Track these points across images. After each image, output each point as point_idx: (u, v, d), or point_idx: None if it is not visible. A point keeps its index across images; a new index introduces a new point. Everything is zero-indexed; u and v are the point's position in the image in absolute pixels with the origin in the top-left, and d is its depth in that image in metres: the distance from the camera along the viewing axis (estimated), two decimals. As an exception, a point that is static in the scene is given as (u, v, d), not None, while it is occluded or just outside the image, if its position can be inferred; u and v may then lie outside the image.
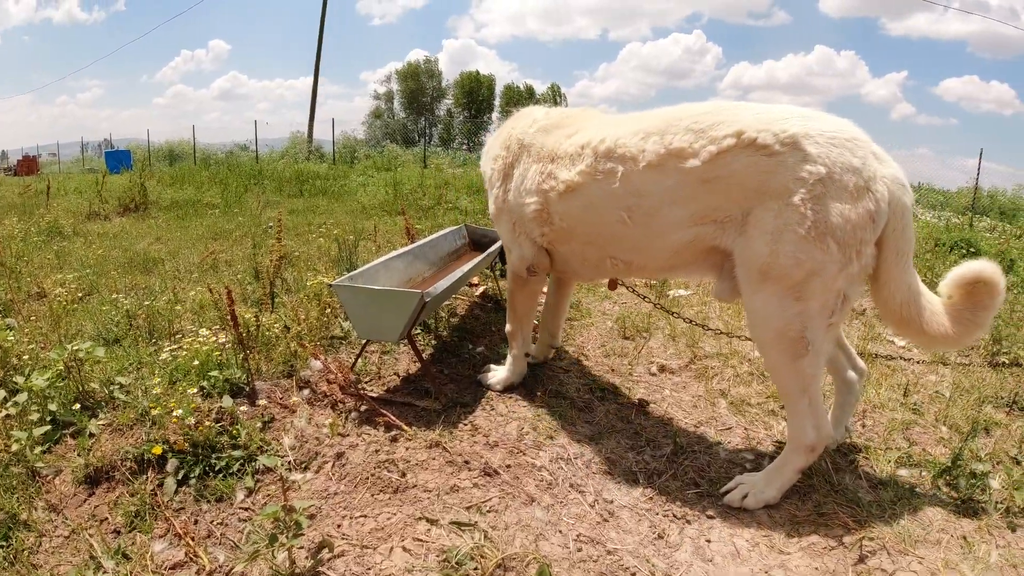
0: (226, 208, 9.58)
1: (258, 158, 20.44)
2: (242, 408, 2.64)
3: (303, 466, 2.47)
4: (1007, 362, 3.86)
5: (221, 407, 2.58)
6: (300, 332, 3.44)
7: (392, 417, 2.71)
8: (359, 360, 3.19)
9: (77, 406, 2.56)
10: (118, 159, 19.74)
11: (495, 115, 40.30)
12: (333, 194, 11.21)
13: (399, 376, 3.20)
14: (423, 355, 3.46)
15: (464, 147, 32.69)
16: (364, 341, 3.13)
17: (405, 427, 2.65)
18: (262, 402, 2.81)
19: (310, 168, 15.08)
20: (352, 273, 3.08)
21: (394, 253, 3.47)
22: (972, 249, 7.67)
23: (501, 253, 3.96)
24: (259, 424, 2.62)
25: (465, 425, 2.71)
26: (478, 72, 40.76)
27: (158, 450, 2.29)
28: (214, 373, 2.81)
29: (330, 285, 2.99)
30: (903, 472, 2.47)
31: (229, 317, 2.96)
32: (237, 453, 2.39)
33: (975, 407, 3.07)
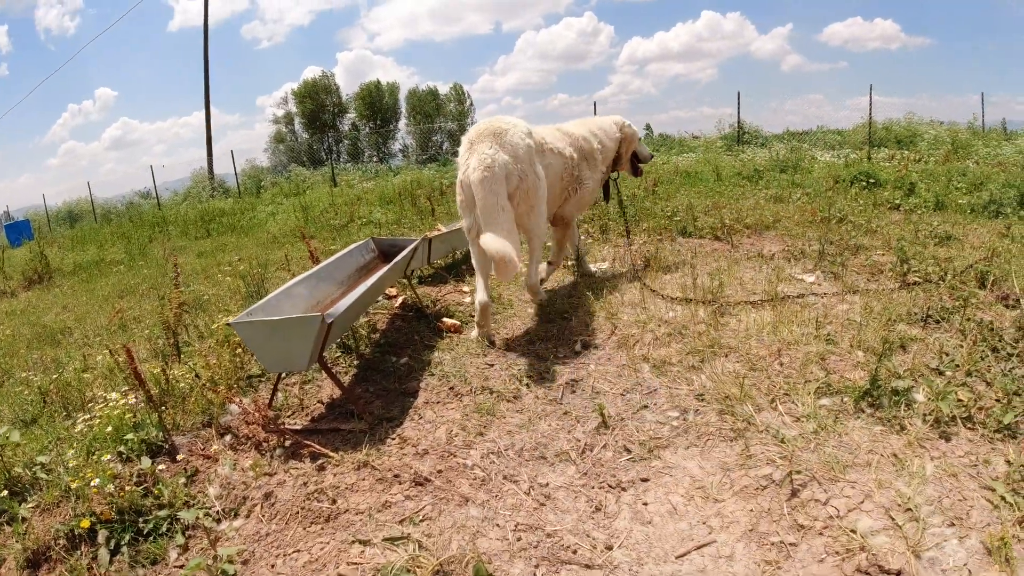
0: (131, 263, 9.21)
1: (160, 204, 19.55)
2: (161, 467, 2.58)
3: (232, 513, 2.41)
4: (918, 280, 4.10)
5: (141, 469, 2.52)
6: (213, 378, 3.35)
7: (317, 446, 2.66)
8: (277, 395, 3.11)
9: (5, 492, 2.49)
10: (18, 231, 18.47)
11: (403, 122, 40.24)
12: (242, 229, 10.87)
13: (323, 403, 3.15)
14: (341, 377, 3.42)
15: (374, 159, 32.17)
16: (277, 375, 3.05)
17: (331, 453, 2.61)
18: (183, 456, 2.74)
19: (215, 206, 14.51)
20: (251, 307, 2.99)
21: (295, 279, 3.39)
22: (872, 180, 8.11)
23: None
24: (183, 479, 2.56)
25: (393, 439, 2.69)
26: (378, 81, 40.45)
27: (86, 523, 2.25)
28: (130, 436, 2.75)
29: (228, 323, 2.90)
30: (825, 401, 2.59)
31: (134, 376, 2.87)
32: (163, 513, 2.33)
33: (888, 327, 3.24)
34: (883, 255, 5.01)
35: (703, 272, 4.46)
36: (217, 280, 6.33)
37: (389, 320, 4.19)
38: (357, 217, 8.81)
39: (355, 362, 3.57)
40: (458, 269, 5.39)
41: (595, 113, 18.31)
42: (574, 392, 2.93)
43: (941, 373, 2.73)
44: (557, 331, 3.66)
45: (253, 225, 11.05)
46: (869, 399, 2.54)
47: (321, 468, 2.55)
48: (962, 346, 2.95)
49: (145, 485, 2.46)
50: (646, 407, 2.70)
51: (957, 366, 2.76)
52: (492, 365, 3.28)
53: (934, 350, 2.96)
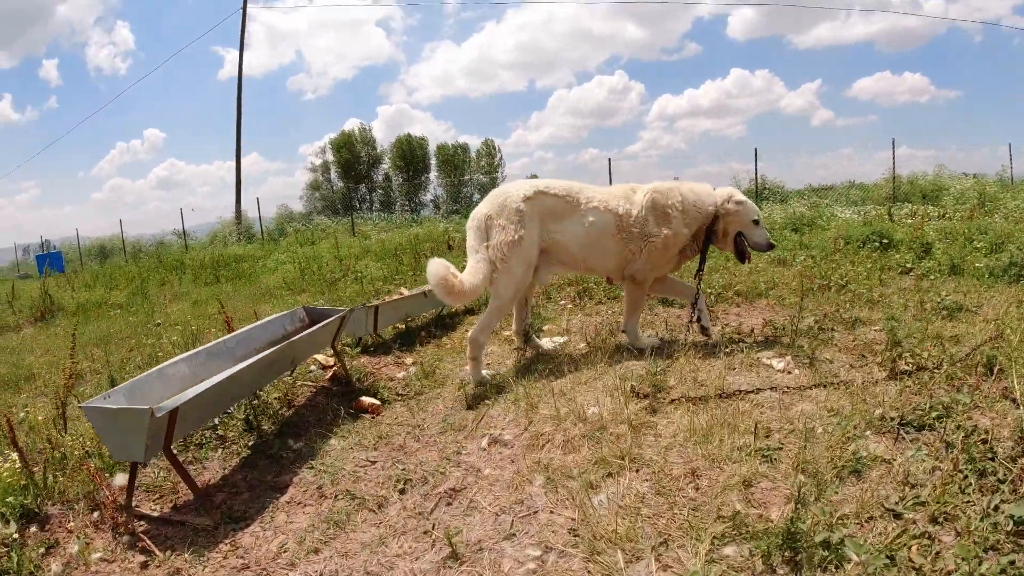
0: (128, 307, 9.14)
1: (187, 246, 19.92)
2: (15, 535, 2.49)
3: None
4: (909, 368, 3.46)
5: (5, 533, 2.49)
6: (91, 451, 3.12)
7: (147, 541, 2.44)
8: (135, 480, 2.80)
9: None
10: (49, 262, 19.01)
11: (433, 174, 41.20)
12: (249, 277, 10.82)
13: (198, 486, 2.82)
14: (230, 459, 3.10)
15: (406, 208, 32.73)
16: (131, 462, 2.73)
17: (157, 552, 2.37)
18: (50, 526, 2.65)
19: (232, 251, 14.63)
20: (117, 387, 2.70)
21: (181, 356, 3.09)
22: (885, 240, 7.47)
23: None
24: (42, 549, 2.47)
25: (225, 544, 2.37)
26: (410, 135, 41.49)
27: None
28: (10, 499, 2.69)
29: (81, 406, 2.62)
30: (728, 551, 1.98)
31: (11, 443, 2.87)
32: (8, 581, 2.21)
33: (847, 440, 2.57)
34: (880, 331, 4.40)
35: (661, 354, 3.97)
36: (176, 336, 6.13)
37: (312, 394, 3.84)
38: (352, 271, 8.60)
39: (250, 442, 3.23)
40: (413, 336, 5.02)
41: (609, 170, 18.01)
42: (450, 504, 2.48)
43: (898, 516, 2.07)
44: (472, 420, 3.23)
45: (262, 273, 10.98)
46: (787, 552, 1.92)
47: (144, 566, 2.30)
48: (939, 468, 2.28)
49: (7, 549, 2.41)
50: (513, 536, 2.21)
51: (922, 504, 2.09)
52: (374, 462, 2.87)
53: (898, 478, 2.27)
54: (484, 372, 3.85)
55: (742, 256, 4.35)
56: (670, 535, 2.12)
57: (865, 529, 2.02)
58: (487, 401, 3.42)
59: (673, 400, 3.11)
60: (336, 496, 2.60)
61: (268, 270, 11.03)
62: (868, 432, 2.69)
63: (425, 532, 2.31)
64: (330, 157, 40.93)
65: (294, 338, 3.32)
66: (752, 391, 3.22)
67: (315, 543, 2.29)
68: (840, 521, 2.05)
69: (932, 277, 6.24)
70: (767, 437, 2.70)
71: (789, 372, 3.60)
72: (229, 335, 3.51)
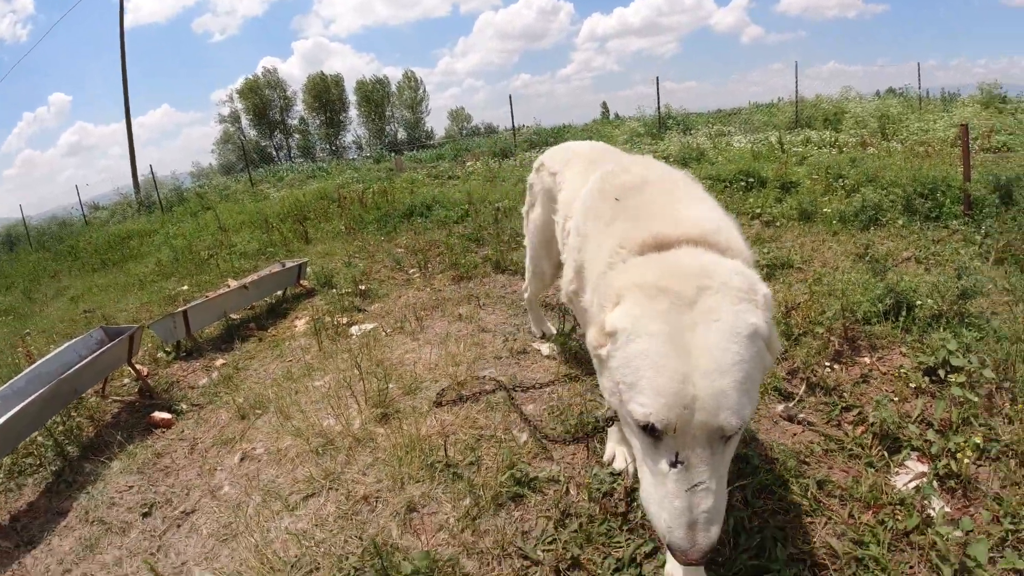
0: (16, 311, 9.43)
1: (87, 223, 19.85)
2: None
3: None
4: None
5: None
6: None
7: None
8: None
9: None
10: None
11: (352, 112, 41.64)
12: (138, 257, 11.12)
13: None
14: (38, 486, 3.64)
15: (327, 152, 32.80)
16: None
17: None
18: None
19: (126, 228, 14.78)
20: None
21: None
22: (752, 179, 7.95)
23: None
24: None
25: (15, 564, 2.97)
26: (323, 73, 42.13)
27: None
28: None
29: None
30: None
31: None
32: None
33: (530, 456, 2.95)
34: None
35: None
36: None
37: (119, 411, 4.36)
38: (226, 245, 8.97)
39: (55, 467, 3.76)
40: (236, 331, 5.59)
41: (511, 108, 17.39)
42: (179, 527, 3.05)
43: (525, 558, 2.37)
44: (240, 432, 3.83)
45: (148, 252, 11.24)
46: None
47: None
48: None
49: None
50: (215, 557, 2.83)
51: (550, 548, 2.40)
52: (131, 487, 3.47)
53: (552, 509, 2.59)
54: (547, 327, 4.45)
55: None
56: (318, 564, 2.57)
57: (487, 568, 2.37)
58: (258, 411, 4.01)
59: (414, 407, 3.65)
60: (92, 521, 3.21)
61: (155, 248, 11.33)
62: (556, 446, 3.05)
63: (152, 554, 2.92)
64: (239, 105, 40.64)
65: (69, 371, 3.78)
66: (490, 391, 3.67)
67: (69, 565, 2.93)
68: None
69: (778, 224, 6.76)
70: (472, 450, 3.10)
71: (553, 358, 4.06)
72: (19, 375, 3.93)
